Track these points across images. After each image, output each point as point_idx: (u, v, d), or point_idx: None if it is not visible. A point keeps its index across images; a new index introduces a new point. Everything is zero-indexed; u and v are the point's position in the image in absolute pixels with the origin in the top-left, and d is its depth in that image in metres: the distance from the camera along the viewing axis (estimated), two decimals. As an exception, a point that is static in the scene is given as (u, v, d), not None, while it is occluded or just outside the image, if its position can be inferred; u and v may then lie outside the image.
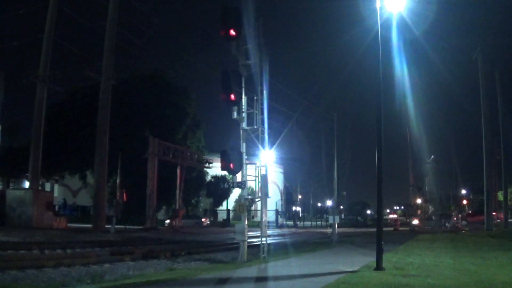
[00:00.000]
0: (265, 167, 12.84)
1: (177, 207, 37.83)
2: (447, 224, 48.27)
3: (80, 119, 37.03)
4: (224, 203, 49.14)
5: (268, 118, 13.07)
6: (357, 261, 11.44)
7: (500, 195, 53.18)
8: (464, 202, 77.03)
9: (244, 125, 12.56)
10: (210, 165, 42.25)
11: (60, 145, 37.39)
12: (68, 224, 28.96)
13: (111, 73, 28.77)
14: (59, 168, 40.76)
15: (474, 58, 36.88)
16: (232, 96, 12.01)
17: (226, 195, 46.45)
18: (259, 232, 12.81)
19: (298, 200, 77.91)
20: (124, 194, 30.58)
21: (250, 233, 13.21)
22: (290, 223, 56.60)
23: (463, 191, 76.94)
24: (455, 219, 48.72)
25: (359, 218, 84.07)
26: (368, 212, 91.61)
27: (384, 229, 14.26)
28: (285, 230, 39.39)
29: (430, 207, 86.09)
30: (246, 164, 12.45)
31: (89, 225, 28.41)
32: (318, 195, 79.83)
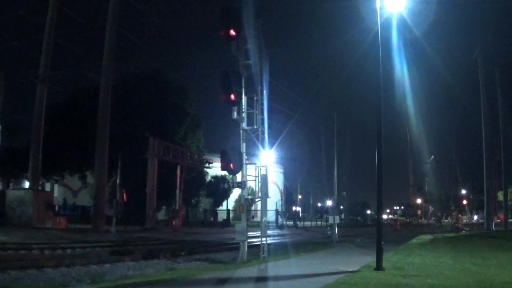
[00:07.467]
0: (265, 167, 12.83)
1: (177, 207, 37.82)
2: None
3: (80, 119, 36.95)
4: (224, 203, 49.08)
5: (268, 118, 13.07)
6: (357, 261, 11.43)
7: (500, 195, 53.23)
8: (464, 202, 76.96)
9: (244, 125, 12.55)
10: (210, 165, 42.24)
11: (60, 145, 37.30)
12: (68, 224, 28.95)
13: (111, 73, 28.74)
14: (59, 168, 40.69)
15: (474, 58, 36.88)
16: (232, 96, 12.00)
17: (226, 195, 46.35)
18: (259, 232, 12.81)
19: (298, 200, 77.90)
20: (124, 194, 30.56)
21: (250, 233, 13.19)
22: (290, 223, 56.52)
23: (463, 191, 76.91)
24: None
25: (359, 218, 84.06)
26: (368, 212, 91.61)
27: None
28: (285, 230, 39.37)
29: (430, 207, 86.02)
30: (246, 164, 12.45)
31: (89, 225, 28.38)
32: (318, 195, 79.88)
